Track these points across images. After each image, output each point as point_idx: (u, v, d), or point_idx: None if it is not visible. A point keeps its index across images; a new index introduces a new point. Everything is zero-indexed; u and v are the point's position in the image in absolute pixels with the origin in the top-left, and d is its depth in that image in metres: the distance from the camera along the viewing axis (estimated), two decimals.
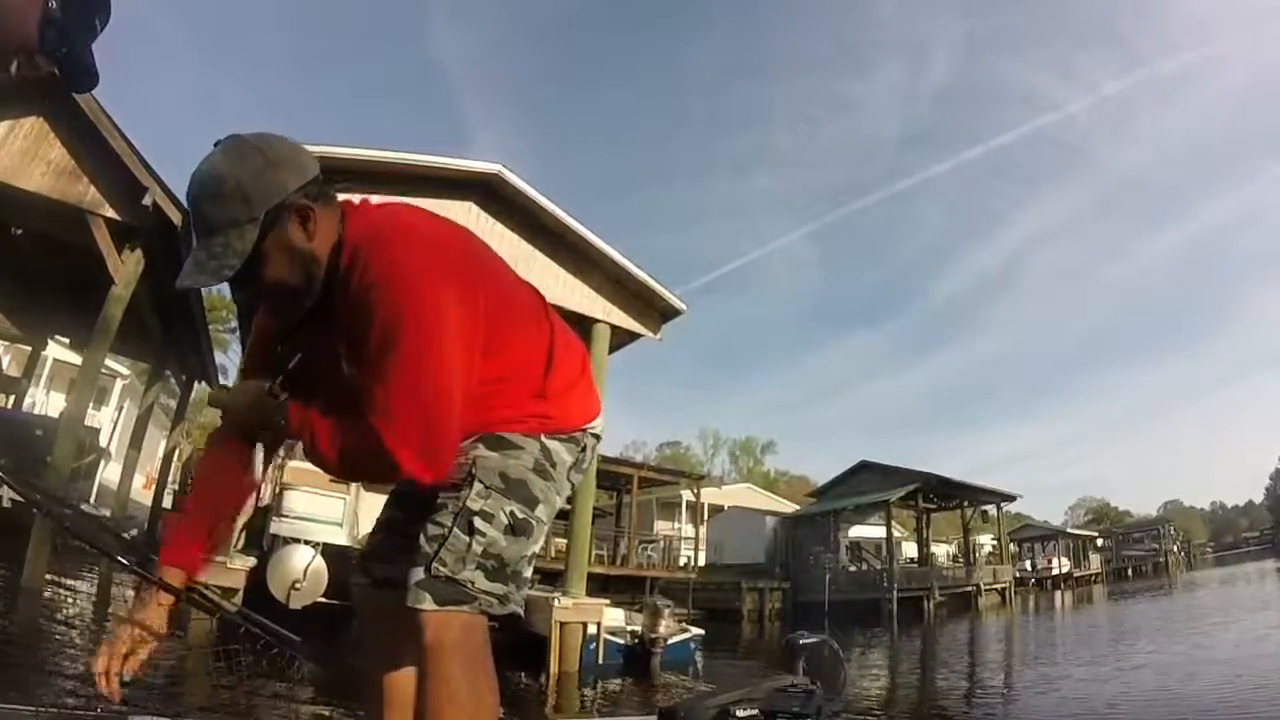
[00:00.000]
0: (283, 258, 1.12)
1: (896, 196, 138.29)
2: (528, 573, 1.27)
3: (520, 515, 1.21)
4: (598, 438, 1.38)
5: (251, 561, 6.58)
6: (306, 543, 6.79)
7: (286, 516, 6.97)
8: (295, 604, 6.56)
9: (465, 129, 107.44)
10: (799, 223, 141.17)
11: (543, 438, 1.26)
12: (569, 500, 1.33)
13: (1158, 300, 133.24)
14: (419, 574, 1.13)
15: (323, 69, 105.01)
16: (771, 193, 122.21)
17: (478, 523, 1.16)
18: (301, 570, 6.58)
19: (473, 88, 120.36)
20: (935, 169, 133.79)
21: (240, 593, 6.42)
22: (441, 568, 1.13)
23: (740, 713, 1.72)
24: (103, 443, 16.57)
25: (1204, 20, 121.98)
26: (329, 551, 6.85)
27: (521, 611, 1.24)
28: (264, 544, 7.77)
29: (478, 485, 1.18)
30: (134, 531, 12.81)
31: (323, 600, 6.75)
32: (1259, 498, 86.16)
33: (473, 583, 1.14)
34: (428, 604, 1.11)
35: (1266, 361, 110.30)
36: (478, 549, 1.15)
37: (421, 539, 1.16)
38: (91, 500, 14.19)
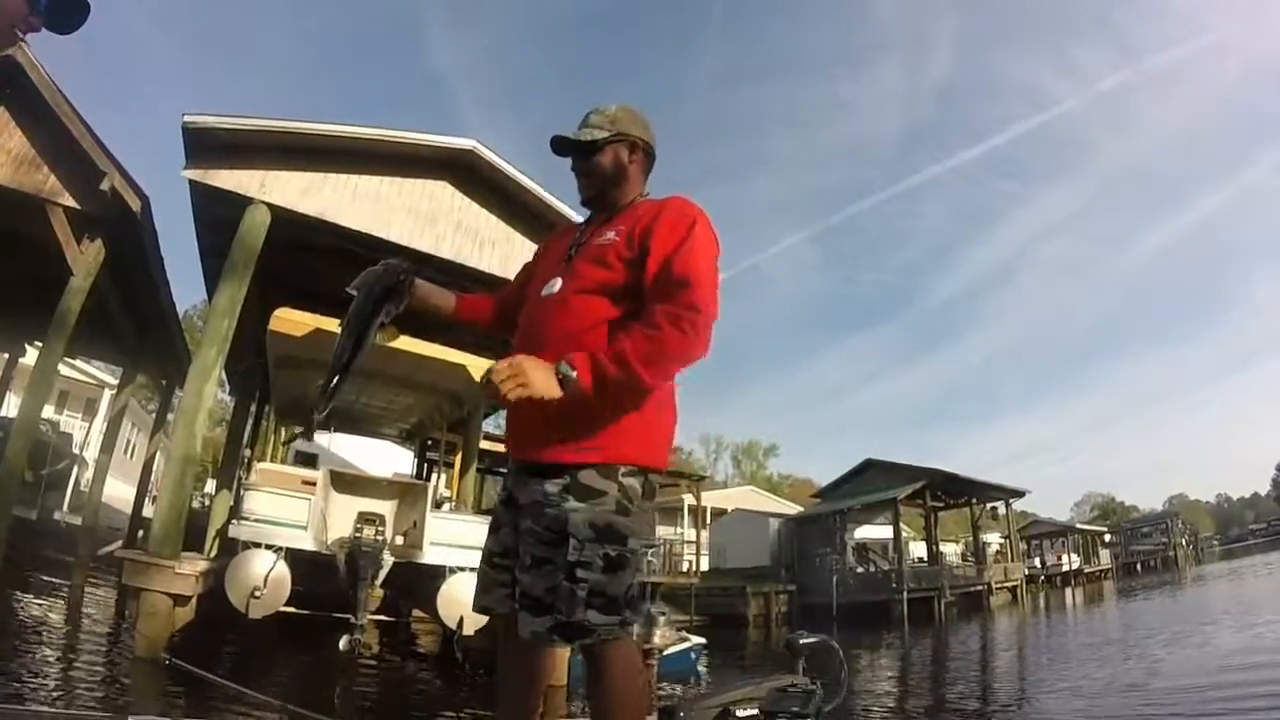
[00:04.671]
0: (608, 157, 1.71)
1: (897, 196, 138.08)
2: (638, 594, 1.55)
3: (614, 554, 1.44)
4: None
5: (202, 564, 6.01)
6: (268, 547, 6.24)
7: (247, 519, 6.40)
8: (255, 613, 5.99)
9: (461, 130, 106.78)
10: (800, 225, 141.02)
11: (620, 478, 1.48)
12: None
13: (1160, 292, 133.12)
14: (548, 622, 1.42)
15: (322, 67, 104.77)
16: (771, 196, 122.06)
17: (579, 573, 1.41)
18: (261, 577, 6.01)
19: (465, 93, 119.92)
20: (935, 168, 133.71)
21: (193, 600, 5.87)
22: (560, 616, 1.41)
23: (740, 712, 1.77)
24: (89, 454, 16.09)
25: (1199, 9, 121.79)
26: (292, 557, 6.30)
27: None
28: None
29: (572, 542, 1.43)
30: (115, 545, 12.24)
31: (285, 610, 6.20)
32: (1264, 489, 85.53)
33: (589, 621, 1.41)
34: (560, 645, 1.45)
35: (1269, 351, 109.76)
36: (582, 593, 1.40)
37: (542, 593, 1.44)
38: (64, 508, 13.70)
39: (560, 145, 1.72)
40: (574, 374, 1.36)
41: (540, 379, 1.35)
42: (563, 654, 7.70)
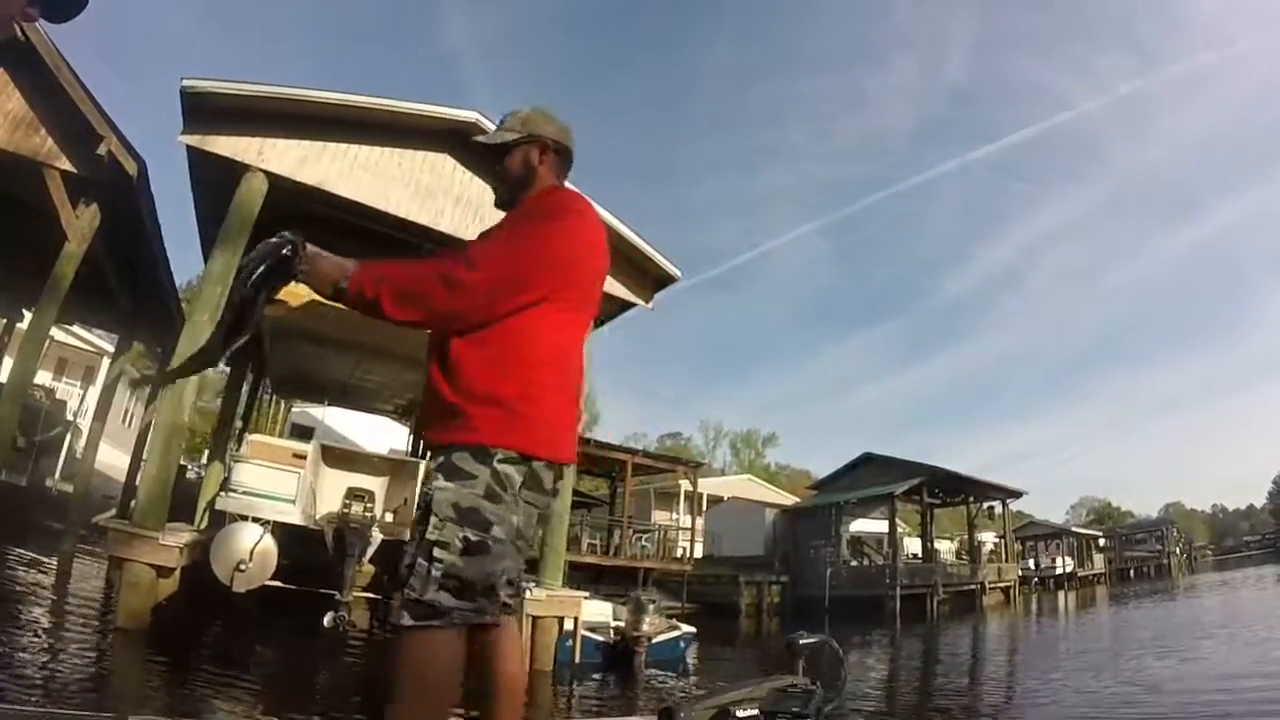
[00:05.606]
0: (517, 158, 1.77)
1: (908, 193, 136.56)
2: (503, 589, 1.50)
3: (475, 538, 1.42)
4: (559, 474, 1.59)
5: (186, 536, 5.92)
6: (255, 520, 6.15)
7: (235, 491, 6.31)
8: (240, 587, 5.92)
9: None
10: (808, 218, 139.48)
11: (495, 463, 1.44)
12: None
13: (1165, 302, 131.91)
14: (398, 597, 1.41)
15: (327, 49, 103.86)
16: (781, 187, 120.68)
17: (436, 551, 1.40)
18: (247, 550, 5.93)
19: (477, 79, 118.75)
20: (947, 165, 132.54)
21: (176, 572, 5.78)
22: (412, 592, 1.39)
23: (740, 713, 1.74)
24: (83, 421, 16.03)
25: (1221, 20, 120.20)
26: (280, 530, 6.21)
27: (497, 618, 1.51)
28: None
29: (433, 519, 1.42)
30: (108, 513, 12.20)
31: (271, 584, 6.12)
32: (1260, 502, 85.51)
33: (439, 603, 1.39)
34: (406, 620, 1.38)
35: (1272, 365, 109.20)
36: (437, 573, 1.38)
37: (401, 567, 1.43)
38: (57, 475, 13.66)
39: (477, 148, 1.91)
40: (345, 285, 1.46)
41: (319, 274, 1.45)
42: (548, 635, 7.67)
